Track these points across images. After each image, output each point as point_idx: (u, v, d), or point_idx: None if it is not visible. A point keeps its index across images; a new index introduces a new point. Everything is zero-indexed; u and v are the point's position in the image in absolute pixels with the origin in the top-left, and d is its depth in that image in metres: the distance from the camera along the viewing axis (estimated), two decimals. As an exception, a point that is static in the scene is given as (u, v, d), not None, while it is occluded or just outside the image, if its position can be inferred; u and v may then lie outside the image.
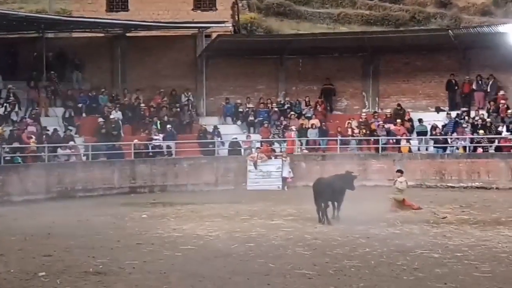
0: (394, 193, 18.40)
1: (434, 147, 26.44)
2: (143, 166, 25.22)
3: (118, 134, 26.43)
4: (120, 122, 26.97)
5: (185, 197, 22.56)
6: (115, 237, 14.51)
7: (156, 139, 26.60)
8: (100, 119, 26.56)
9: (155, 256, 12.44)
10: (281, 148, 27.00)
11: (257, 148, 26.52)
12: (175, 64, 29.52)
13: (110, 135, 25.96)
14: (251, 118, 28.83)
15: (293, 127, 27.72)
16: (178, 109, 28.48)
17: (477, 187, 24.36)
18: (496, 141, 25.60)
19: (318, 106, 29.14)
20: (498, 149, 25.32)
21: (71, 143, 25.10)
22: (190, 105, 28.95)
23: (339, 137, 27.04)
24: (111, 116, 26.92)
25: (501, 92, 27.66)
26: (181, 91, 29.42)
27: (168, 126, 27.11)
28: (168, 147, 26.73)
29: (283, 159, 25.72)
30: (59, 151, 24.57)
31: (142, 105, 28.16)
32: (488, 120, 26.26)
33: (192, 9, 33.16)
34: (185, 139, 27.21)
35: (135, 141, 25.98)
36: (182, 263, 11.76)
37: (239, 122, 29.15)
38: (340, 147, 26.77)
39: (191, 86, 29.77)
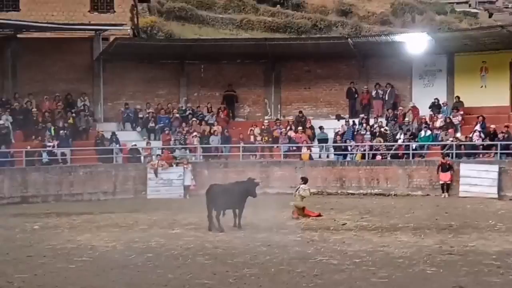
0: (296, 200, 18.74)
1: (335, 154, 27.19)
2: (36, 175, 24.47)
3: (8, 140, 25.44)
4: (10, 127, 25.98)
5: (81, 207, 22.08)
6: (4, 249, 13.95)
7: (49, 146, 25.83)
8: (-12, 125, 25.52)
9: (47, 269, 12.06)
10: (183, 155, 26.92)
11: (158, 155, 26.28)
12: (71, 68, 28.78)
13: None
14: (151, 124, 28.56)
15: (195, 134, 27.70)
16: (74, 115, 27.79)
17: (376, 194, 25.17)
18: (394, 148, 26.64)
19: (221, 112, 29.28)
20: (396, 156, 26.36)
21: (-44, 150, 23.95)
22: (86, 110, 28.33)
23: (242, 144, 27.28)
24: (0, 122, 25.89)
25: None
26: (77, 96, 28.72)
27: (63, 132, 26.42)
28: (63, 154, 26.05)
29: (185, 166, 25.63)
30: None
31: (35, 110, 27.27)
32: (386, 128, 27.28)
33: (89, 11, 32.46)
34: (81, 145, 26.60)
35: (27, 147, 25.10)
36: (76, 276, 11.46)
37: (138, 128, 28.81)
38: (242, 154, 27.00)
39: (87, 90, 29.10)
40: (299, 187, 18.93)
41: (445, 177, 24.30)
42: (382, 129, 27.09)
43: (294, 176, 24.57)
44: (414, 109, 28.02)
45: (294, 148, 27.51)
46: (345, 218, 18.60)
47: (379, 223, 17.54)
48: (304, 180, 19.18)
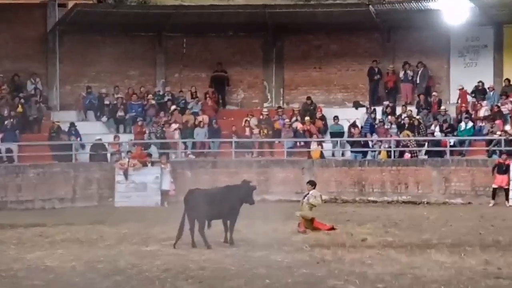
0: (303, 210, 18.74)
1: (352, 151, 27.19)
2: (-27, 177, 24.53)
3: None
4: None
5: (31, 217, 22.01)
6: None
7: (-9, 141, 25.90)
8: None
9: (-13, 296, 12.04)
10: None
11: (128, 152, 26.29)
12: (19, 41, 28.78)
13: None
14: (120, 113, 28.58)
15: (176, 125, 27.68)
16: (22, 101, 27.75)
17: (404, 202, 25.26)
18: (427, 144, 26.66)
19: (208, 98, 29.28)
20: (429, 154, 26.36)
21: None
22: (38, 96, 28.31)
23: (234, 139, 27.26)
24: None
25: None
26: (27, 77, 28.76)
27: (8, 122, 26.39)
28: (9, 150, 26.04)
29: (162, 166, 25.62)
30: None
31: (-28, 94, 27.32)
32: (418, 118, 27.28)
33: (42, -31, 32.43)
34: (32, 140, 26.61)
35: (-37, 142, 25.17)
36: (25, 305, 11.43)
37: (104, 119, 28.82)
38: (235, 151, 26.99)
39: (40, 70, 29.11)
40: (307, 194, 18.92)
41: (501, 180, 24.34)
42: (412, 120, 27.09)
43: (301, 179, 24.60)
44: (463, 94, 27.83)
45: (301, 143, 27.50)
46: (365, 232, 18.53)
47: (408, 238, 17.52)
48: (313, 185, 19.17)
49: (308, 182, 19.56)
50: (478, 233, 18.20)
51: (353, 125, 27.68)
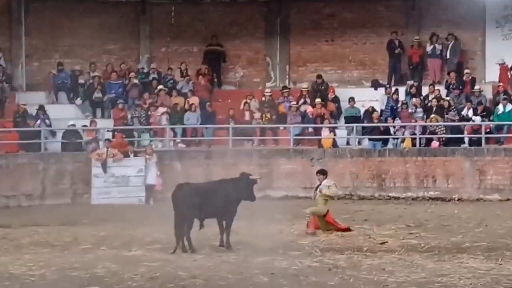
0: (316, 204, 18.74)
1: (370, 139, 27.19)
2: None
3: None
4: None
5: (-8, 217, 22.02)
6: None
7: None
8: None
9: None
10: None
11: (107, 140, 26.31)
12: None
13: None
14: (97, 94, 28.59)
15: (163, 109, 27.69)
16: (-18, 80, 27.80)
17: (431, 198, 25.30)
18: (459, 130, 26.61)
19: (200, 77, 29.24)
20: (461, 142, 26.36)
21: None
22: (1, 74, 28.26)
23: (232, 125, 27.25)
24: None
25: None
26: (-14, 52, 28.72)
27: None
28: (-34, 138, 26.06)
29: (147, 157, 25.63)
30: None
31: None
32: (448, 99, 27.25)
33: None
34: (-7, 126, 26.63)
35: None
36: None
37: (78, 101, 28.82)
38: (233, 140, 27.00)
39: (2, 44, 29.05)
40: (319, 185, 18.94)
41: None
42: (441, 102, 27.08)
43: (310, 171, 24.62)
44: (504, 71, 27.75)
45: (310, 130, 27.49)
46: (385, 233, 18.58)
47: (436, 241, 17.53)
48: (324, 174, 19.20)
49: (318, 172, 19.58)
50: (518, 235, 18.23)
51: (372, 108, 27.64)
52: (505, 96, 26.79)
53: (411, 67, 29.32)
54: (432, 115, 26.73)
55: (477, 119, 26.48)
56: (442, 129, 26.48)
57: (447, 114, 26.72)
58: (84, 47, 29.83)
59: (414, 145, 26.50)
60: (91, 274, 14.30)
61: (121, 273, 14.34)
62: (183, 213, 16.27)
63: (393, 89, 28.37)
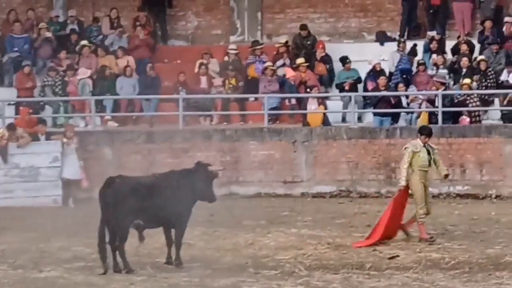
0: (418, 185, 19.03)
1: (375, 114, 27.31)
2: None
3: None
4: None
5: None
6: None
7: None
8: None
9: None
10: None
11: (8, 119, 26.27)
12: None
13: None
14: (-5, 54, 28.58)
15: (86, 73, 27.71)
16: None
17: (459, 195, 25.56)
18: (498, 101, 26.91)
19: (139, 29, 29.20)
20: (501, 118, 26.67)
21: None
22: None
23: (183, 95, 27.27)
24: None
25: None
26: None
27: None
28: None
29: (65, 140, 25.59)
30: None
31: None
32: (481, 58, 27.39)
33: None
34: None
35: None
36: None
37: (-29, 64, 28.81)
38: (184, 115, 27.04)
39: None
40: (423, 146, 19.19)
41: None
42: (474, 62, 27.23)
43: (292, 159, 24.74)
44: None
45: (292, 101, 27.58)
46: (395, 244, 18.76)
47: (466, 254, 17.71)
48: (430, 134, 19.60)
49: (421, 130, 19.71)
50: None
51: (377, 71, 27.75)
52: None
53: (431, 11, 29.37)
54: (464, 80, 26.75)
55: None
56: (476, 100, 26.63)
57: (483, 78, 26.86)
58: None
59: (434, 122, 26.59)
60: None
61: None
62: (114, 219, 16.30)
63: (408, 45, 28.45)
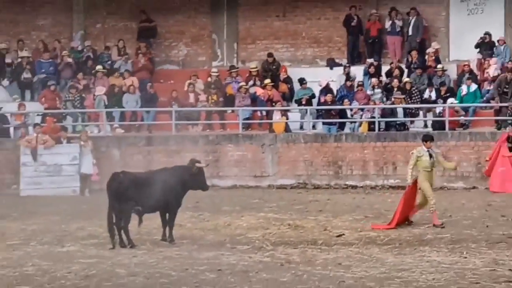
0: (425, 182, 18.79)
1: (325, 123, 27.27)
2: None
3: None
4: None
5: None
6: None
7: None
8: None
9: None
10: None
11: (37, 125, 26.12)
12: None
13: None
14: (26, 75, 28.35)
15: (99, 91, 27.56)
16: None
17: (392, 187, 25.52)
18: (422, 113, 26.90)
19: (140, 55, 29.09)
20: (424, 125, 26.69)
21: None
22: None
23: (175, 108, 27.18)
24: None
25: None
26: None
27: None
28: None
29: (82, 143, 25.49)
30: None
31: None
32: (408, 80, 27.41)
33: None
34: None
35: None
36: None
37: (5, 82, 28.60)
38: (176, 124, 26.97)
39: None
40: (426, 151, 18.88)
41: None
42: (401, 84, 27.24)
43: (261, 159, 24.67)
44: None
45: (261, 113, 27.56)
46: (342, 225, 18.72)
47: (397, 233, 17.69)
48: (432, 140, 19.31)
49: (424, 138, 19.36)
50: (484, 226, 18.43)
51: (327, 89, 27.71)
52: (469, 76, 26.90)
53: (369, 44, 29.35)
54: (397, 96, 26.71)
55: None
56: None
57: (409, 96, 26.88)
58: (11, 23, 29.54)
59: (372, 129, 26.59)
60: (20, 273, 14.22)
61: (53, 271, 14.27)
62: (119, 206, 16.26)
63: (352, 70, 28.44)
